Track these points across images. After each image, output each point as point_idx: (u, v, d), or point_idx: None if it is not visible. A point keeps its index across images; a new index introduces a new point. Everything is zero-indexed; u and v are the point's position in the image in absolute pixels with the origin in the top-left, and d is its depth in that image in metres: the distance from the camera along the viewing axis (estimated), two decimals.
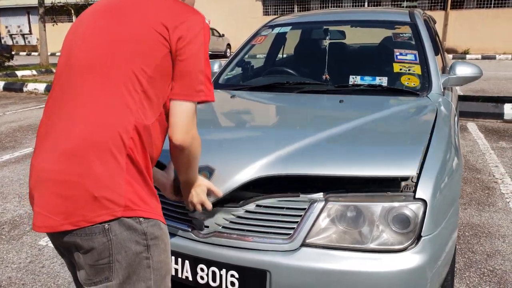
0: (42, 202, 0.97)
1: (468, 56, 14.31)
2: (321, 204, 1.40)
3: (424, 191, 1.38)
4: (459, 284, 2.10)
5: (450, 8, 15.03)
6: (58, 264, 2.34)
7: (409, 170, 1.39)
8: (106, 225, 0.94)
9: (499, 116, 5.34)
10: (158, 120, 1.05)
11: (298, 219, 1.40)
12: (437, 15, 14.08)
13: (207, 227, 1.48)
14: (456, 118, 2.26)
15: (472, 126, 5.15)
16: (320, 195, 1.43)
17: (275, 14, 17.28)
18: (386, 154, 1.52)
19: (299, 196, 1.43)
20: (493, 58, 14.17)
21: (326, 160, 1.49)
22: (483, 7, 15.23)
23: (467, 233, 2.58)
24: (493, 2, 15.13)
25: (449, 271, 1.64)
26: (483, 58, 14.20)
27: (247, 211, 1.45)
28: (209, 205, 1.37)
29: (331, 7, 17.34)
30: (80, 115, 0.98)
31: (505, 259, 2.28)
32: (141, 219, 0.98)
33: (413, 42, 2.45)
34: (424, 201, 1.36)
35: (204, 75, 1.06)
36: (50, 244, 2.54)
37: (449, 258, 1.55)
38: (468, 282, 2.11)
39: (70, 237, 0.96)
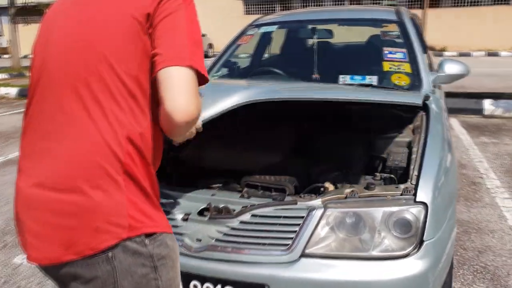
0: (38, 232, 0.89)
1: (445, 54, 14.59)
2: (320, 212, 1.34)
3: (424, 193, 1.34)
4: (454, 283, 2.08)
5: (428, 7, 15.30)
6: (35, 284, 2.20)
7: (415, 99, 1.49)
8: (110, 253, 0.86)
9: (479, 111, 5.44)
10: (152, 122, 0.94)
11: (296, 228, 1.34)
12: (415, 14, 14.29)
13: (200, 240, 1.40)
14: (446, 115, 2.24)
15: (454, 121, 5.22)
16: (318, 201, 1.37)
17: (256, 14, 17.21)
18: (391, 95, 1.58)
19: (296, 204, 1.37)
20: (469, 55, 14.49)
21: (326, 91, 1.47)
22: (459, 6, 15.58)
23: (458, 230, 2.58)
24: (468, 1, 15.49)
25: (448, 272, 1.61)
26: (460, 55, 14.50)
27: (242, 222, 1.38)
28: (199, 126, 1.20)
29: (312, 6, 17.40)
30: (66, 134, 0.89)
31: (496, 255, 2.29)
32: (146, 240, 0.90)
33: (402, 40, 2.42)
34: (425, 204, 1.32)
35: (191, 41, 0.89)
36: (26, 263, 2.39)
37: (449, 259, 1.52)
38: (463, 280, 2.10)
39: (70, 268, 0.88)
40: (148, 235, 0.90)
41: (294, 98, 1.61)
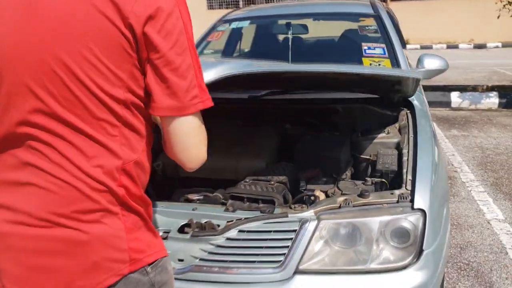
0: (19, 278, 0.74)
1: (408, 46, 14.94)
2: (313, 224, 1.24)
3: (422, 200, 1.27)
4: None
5: (391, 0, 15.60)
6: None
7: (415, 74, 1.43)
8: None
9: (447, 104, 5.55)
10: (146, 142, 0.82)
11: (288, 243, 1.23)
12: None
13: (182, 260, 1.27)
14: (428, 109, 2.21)
15: None
16: (310, 212, 1.27)
17: (219, 8, 16.89)
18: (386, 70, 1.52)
19: (287, 216, 1.26)
20: (430, 47, 14.91)
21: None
22: None
23: None
24: None
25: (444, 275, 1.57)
26: (422, 48, 14.92)
27: (228, 239, 1.25)
28: None
29: (278, 0, 17.31)
30: (50, 167, 0.73)
31: (477, 251, 2.29)
32: (148, 268, 0.80)
33: (380, 35, 2.36)
34: (423, 211, 1.25)
35: (193, 72, 0.76)
36: None
37: (445, 262, 1.46)
38: (448, 279, 2.08)
39: None
40: (150, 263, 0.81)
41: (277, 70, 1.45)
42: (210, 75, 1.18)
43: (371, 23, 2.46)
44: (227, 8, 15.13)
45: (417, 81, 1.58)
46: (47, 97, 0.72)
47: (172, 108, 0.75)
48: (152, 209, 0.87)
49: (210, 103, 0.79)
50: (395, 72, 1.40)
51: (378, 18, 2.48)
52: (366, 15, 2.54)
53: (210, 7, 18.24)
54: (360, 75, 1.55)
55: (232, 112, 2.20)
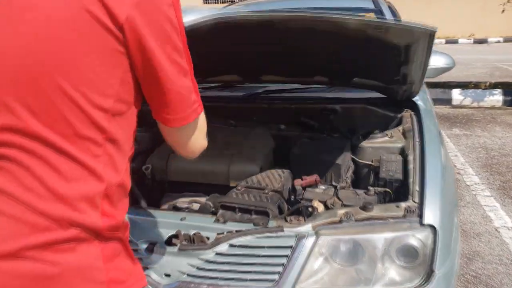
0: None
1: None
2: (311, 240, 1.13)
3: (431, 214, 1.16)
4: None
5: None
6: None
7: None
8: None
9: (448, 101, 5.44)
10: (129, 158, 0.75)
11: (283, 261, 1.12)
12: None
13: (169, 275, 1.16)
14: (433, 108, 2.09)
15: None
16: (308, 226, 1.16)
17: (215, 3, 16.69)
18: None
19: (283, 231, 1.15)
20: None
21: None
22: None
23: None
24: None
25: None
26: None
27: (218, 254, 1.15)
28: None
29: None
30: (21, 192, 0.63)
31: (486, 262, 2.17)
32: None
33: None
34: (433, 227, 1.14)
35: (189, 78, 0.73)
36: None
37: (456, 275, 1.35)
38: None
39: None
40: None
41: (270, 14, 1.30)
42: (192, 16, 1.08)
43: (372, 18, 2.34)
44: (223, 2, 14.92)
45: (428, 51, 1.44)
46: (24, 112, 0.61)
47: (179, 119, 0.74)
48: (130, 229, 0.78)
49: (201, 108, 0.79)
50: (406, 23, 1.25)
51: (379, 13, 2.36)
52: (367, 10, 2.43)
53: (206, 1, 18.01)
54: (369, 24, 1.34)
55: (225, 111, 2.09)
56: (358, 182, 1.62)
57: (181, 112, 0.72)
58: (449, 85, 5.70)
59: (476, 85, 5.69)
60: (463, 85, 5.70)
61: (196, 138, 0.80)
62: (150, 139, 1.99)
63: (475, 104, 5.28)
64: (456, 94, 5.45)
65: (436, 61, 2.16)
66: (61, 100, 0.61)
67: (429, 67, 2.15)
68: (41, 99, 0.61)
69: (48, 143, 0.62)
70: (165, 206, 1.51)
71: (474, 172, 3.25)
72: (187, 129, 0.76)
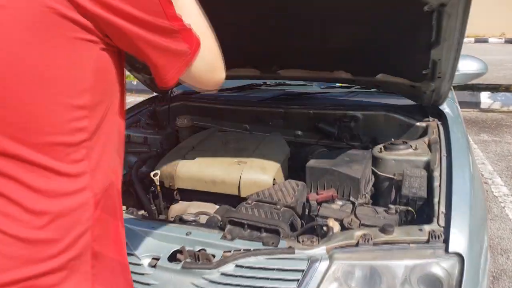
0: None
1: None
2: (324, 264, 1.04)
3: (458, 241, 1.05)
4: None
5: None
6: None
7: None
8: None
9: (476, 105, 5.20)
10: (119, 160, 0.70)
11: (294, 285, 1.03)
12: None
13: None
14: (461, 115, 1.95)
15: None
16: (322, 249, 1.07)
17: None
18: None
19: (294, 253, 1.07)
20: None
21: None
22: None
23: None
24: None
25: None
26: None
27: (223, 274, 1.07)
28: None
29: None
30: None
31: None
32: None
33: None
34: (460, 256, 1.03)
35: (174, 35, 0.64)
36: None
37: None
38: None
39: None
40: None
41: None
42: None
43: None
44: None
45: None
46: None
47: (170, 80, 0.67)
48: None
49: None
50: None
51: None
52: None
53: None
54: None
55: (241, 114, 2.02)
56: (377, 196, 1.52)
57: (171, 70, 0.66)
58: (478, 88, 5.45)
59: (507, 88, 5.42)
60: (493, 88, 5.45)
61: (206, 75, 0.73)
62: (161, 142, 1.94)
63: (505, 109, 5.03)
64: (485, 97, 5.21)
65: (467, 66, 2.02)
66: (28, 109, 0.54)
67: (459, 72, 2.02)
68: (3, 109, 0.54)
69: (13, 156, 0.55)
70: (172, 216, 1.45)
71: (503, 182, 3.06)
72: (190, 72, 0.69)
